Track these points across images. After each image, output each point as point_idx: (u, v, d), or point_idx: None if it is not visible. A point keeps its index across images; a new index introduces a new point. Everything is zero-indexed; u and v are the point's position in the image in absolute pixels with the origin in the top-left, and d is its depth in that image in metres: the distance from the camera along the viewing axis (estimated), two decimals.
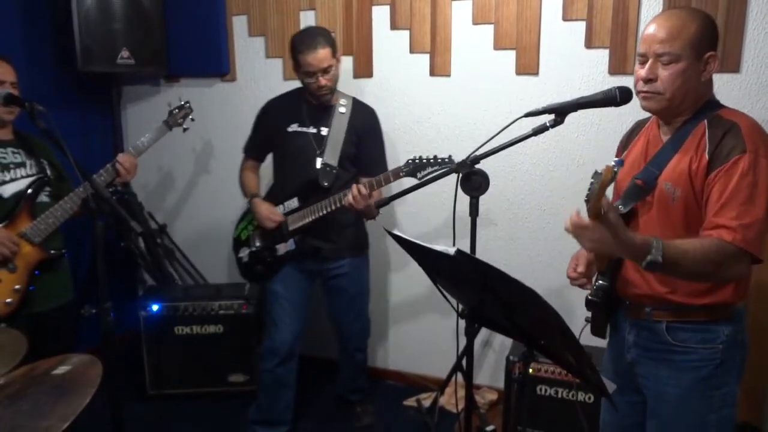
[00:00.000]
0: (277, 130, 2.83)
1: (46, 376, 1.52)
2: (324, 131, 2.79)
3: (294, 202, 2.79)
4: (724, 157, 1.56)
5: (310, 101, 2.81)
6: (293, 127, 2.81)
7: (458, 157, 2.04)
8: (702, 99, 1.67)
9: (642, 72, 1.65)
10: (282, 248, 2.82)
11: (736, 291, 1.67)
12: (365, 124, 2.87)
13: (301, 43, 2.69)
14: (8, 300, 2.29)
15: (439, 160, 2.58)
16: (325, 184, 2.75)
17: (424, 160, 2.58)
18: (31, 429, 1.32)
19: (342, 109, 2.82)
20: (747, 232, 1.51)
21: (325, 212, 2.71)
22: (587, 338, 1.91)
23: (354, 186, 2.61)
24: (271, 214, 2.80)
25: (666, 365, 1.72)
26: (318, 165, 2.75)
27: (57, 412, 1.34)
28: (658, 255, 1.45)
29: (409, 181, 2.45)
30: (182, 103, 2.90)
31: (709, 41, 1.62)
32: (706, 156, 1.58)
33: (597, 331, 1.88)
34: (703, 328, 1.68)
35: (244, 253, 2.93)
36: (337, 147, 2.78)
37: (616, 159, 1.35)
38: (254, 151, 3.00)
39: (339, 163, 2.78)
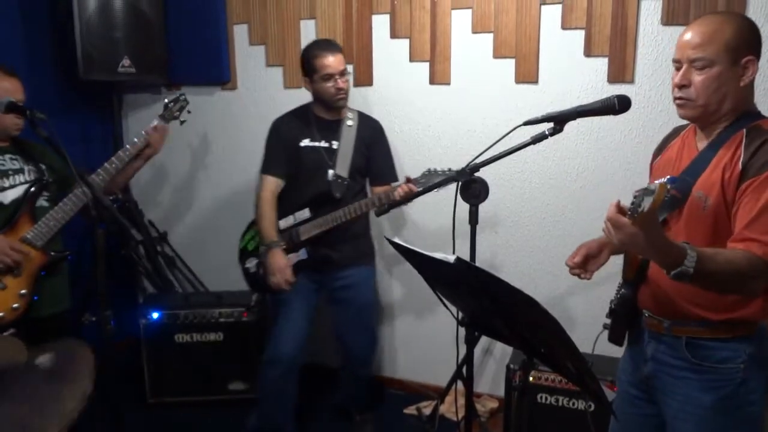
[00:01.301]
0: (290, 146, 2.87)
1: (32, 367, 1.50)
2: (335, 145, 2.85)
3: (305, 213, 2.82)
4: (758, 169, 1.50)
5: (319, 116, 2.88)
6: (305, 142, 2.86)
7: (457, 165, 2.04)
8: (741, 106, 1.61)
9: (676, 78, 1.61)
10: (293, 258, 2.81)
11: (761, 307, 1.60)
12: (373, 136, 2.95)
13: (318, 47, 2.80)
14: (15, 305, 2.29)
15: (447, 172, 2.62)
16: (338, 195, 2.81)
17: (440, 172, 2.63)
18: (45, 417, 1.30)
19: (350, 123, 2.90)
20: None
21: (341, 221, 2.75)
22: (602, 347, 1.89)
23: (400, 188, 2.65)
24: (285, 275, 2.72)
25: (685, 383, 1.67)
26: (330, 177, 2.81)
27: (59, 408, 1.32)
28: (690, 266, 1.38)
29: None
30: (177, 95, 2.85)
31: (747, 45, 1.56)
32: (740, 166, 1.53)
33: (615, 339, 1.83)
34: (724, 345, 1.62)
35: (252, 263, 2.91)
36: (347, 159, 2.85)
37: (669, 177, 1.26)
38: (278, 168, 2.89)
39: (350, 174, 2.85)
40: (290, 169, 2.91)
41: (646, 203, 1.29)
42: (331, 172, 2.83)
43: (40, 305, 2.41)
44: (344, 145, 2.86)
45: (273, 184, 2.88)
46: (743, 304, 1.59)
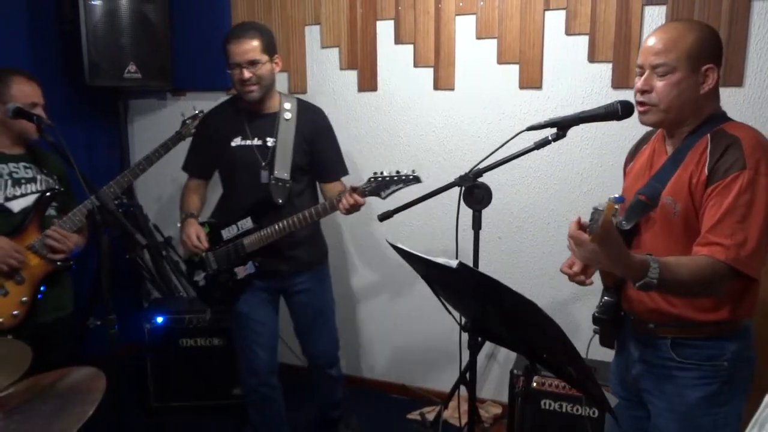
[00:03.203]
0: (220, 146, 2.64)
1: (49, 389, 1.52)
2: (270, 142, 2.60)
3: (248, 222, 2.60)
4: (722, 173, 1.54)
5: (249, 110, 2.62)
6: (236, 141, 2.62)
7: (462, 171, 2.05)
8: (703, 112, 1.64)
9: (639, 83, 1.65)
10: (241, 271, 2.65)
11: (743, 307, 1.63)
12: (314, 128, 2.67)
13: (230, 32, 2.56)
14: (15, 312, 2.30)
15: (403, 177, 2.49)
16: (279, 201, 2.58)
17: (387, 178, 2.48)
18: None
19: (287, 115, 2.62)
20: (740, 251, 1.49)
21: (286, 232, 2.55)
22: (595, 352, 1.90)
23: (345, 198, 2.47)
24: (196, 240, 2.60)
25: (670, 382, 1.70)
26: (265, 180, 2.59)
27: (58, 425, 1.34)
28: (654, 278, 1.44)
29: (412, 193, 2.46)
30: (196, 112, 2.87)
31: (709, 53, 1.60)
32: (706, 171, 1.56)
33: (606, 342, 1.87)
34: (708, 344, 1.65)
35: (200, 276, 2.70)
36: (287, 158, 2.59)
37: (616, 196, 1.32)
38: (197, 169, 2.79)
39: (291, 175, 2.60)
40: (221, 172, 2.76)
41: (598, 223, 1.33)
42: (264, 173, 2.58)
43: (46, 309, 2.42)
44: (282, 142, 2.58)
45: (194, 185, 2.80)
46: (724, 305, 1.61)
